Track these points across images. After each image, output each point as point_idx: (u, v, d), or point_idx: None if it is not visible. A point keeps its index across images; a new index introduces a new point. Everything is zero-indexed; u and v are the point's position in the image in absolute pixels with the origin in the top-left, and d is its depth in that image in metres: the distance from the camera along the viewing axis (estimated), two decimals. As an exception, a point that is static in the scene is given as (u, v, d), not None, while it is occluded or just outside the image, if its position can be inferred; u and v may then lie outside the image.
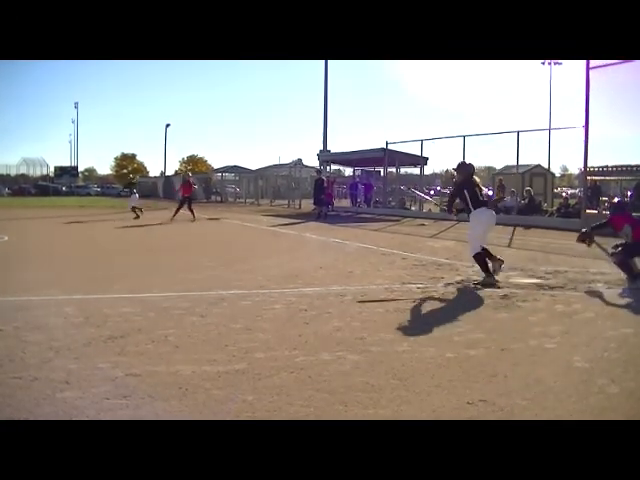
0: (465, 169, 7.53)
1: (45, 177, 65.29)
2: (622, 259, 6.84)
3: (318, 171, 24.73)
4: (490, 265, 6.99)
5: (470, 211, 7.16)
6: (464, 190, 7.23)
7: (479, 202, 7.16)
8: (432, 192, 29.22)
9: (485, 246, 7.17)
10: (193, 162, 79.41)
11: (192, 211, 19.19)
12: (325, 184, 22.08)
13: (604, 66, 13.98)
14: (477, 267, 7.04)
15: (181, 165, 78.91)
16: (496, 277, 6.90)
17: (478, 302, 5.74)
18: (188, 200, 19.51)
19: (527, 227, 15.82)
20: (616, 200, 8.16)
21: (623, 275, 6.98)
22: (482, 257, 7.02)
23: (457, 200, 7.44)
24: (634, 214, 14.71)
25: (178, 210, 19.35)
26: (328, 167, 31.29)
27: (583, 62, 14.75)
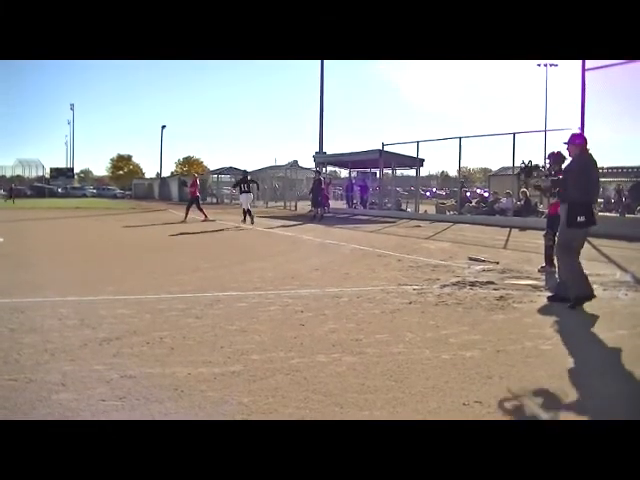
0: (243, 174, 18.83)
1: (41, 178, 65.14)
2: (547, 243, 7.88)
3: (317, 172, 24.56)
4: (248, 218, 17.35)
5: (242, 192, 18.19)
6: (246, 184, 17.99)
7: (242, 191, 18.11)
8: (428, 193, 29.39)
9: (250, 209, 17.79)
10: (189, 163, 79.33)
11: (201, 210, 19.62)
12: (322, 185, 22.07)
13: (600, 68, 14.04)
14: (473, 268, 7.25)
15: (177, 167, 78.89)
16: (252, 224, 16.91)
17: (474, 303, 5.75)
18: (196, 200, 19.91)
19: (523, 229, 15.86)
20: (556, 151, 8.05)
21: (619, 276, 7.01)
22: (244, 211, 17.80)
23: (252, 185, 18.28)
24: (629, 215, 14.73)
25: (201, 209, 19.75)
26: (324, 169, 31.30)
27: (579, 64, 14.81)
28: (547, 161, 8.02)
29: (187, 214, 19.46)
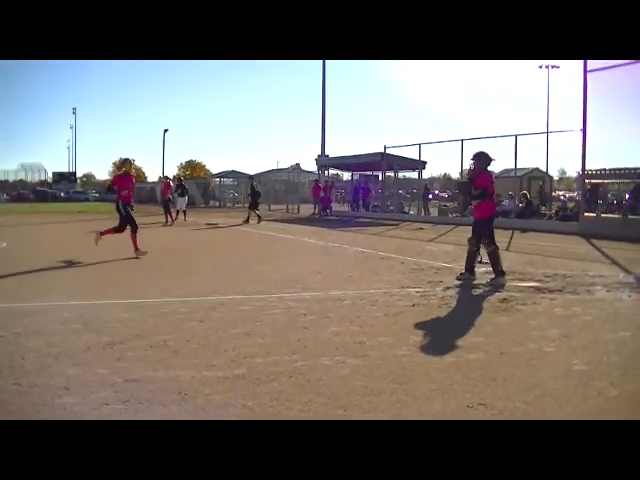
0: (178, 182, 22.18)
1: (43, 183, 65.25)
2: (471, 249, 7.41)
3: (251, 178, 25.13)
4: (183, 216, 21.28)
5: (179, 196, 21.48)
6: (182, 189, 21.55)
7: (179, 195, 21.41)
8: (430, 196, 29.45)
9: (185, 209, 21.75)
10: (191, 167, 79.38)
11: (169, 215, 20.30)
12: (258, 190, 22.07)
13: (601, 69, 14.04)
14: (476, 270, 7.37)
15: (179, 170, 78.96)
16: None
17: (477, 306, 5.74)
18: (166, 202, 21.08)
19: (525, 230, 15.85)
20: (482, 152, 7.44)
21: (623, 277, 6.99)
22: (177, 213, 20.92)
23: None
24: (631, 216, 14.68)
25: (169, 213, 20.41)
26: (326, 171, 31.35)
27: (581, 66, 14.82)
28: (471, 162, 7.55)
29: (167, 216, 20.12)
